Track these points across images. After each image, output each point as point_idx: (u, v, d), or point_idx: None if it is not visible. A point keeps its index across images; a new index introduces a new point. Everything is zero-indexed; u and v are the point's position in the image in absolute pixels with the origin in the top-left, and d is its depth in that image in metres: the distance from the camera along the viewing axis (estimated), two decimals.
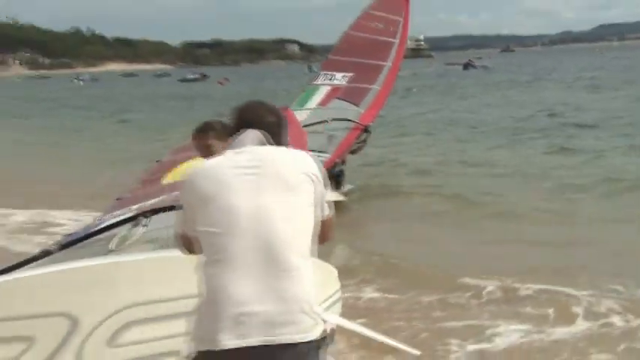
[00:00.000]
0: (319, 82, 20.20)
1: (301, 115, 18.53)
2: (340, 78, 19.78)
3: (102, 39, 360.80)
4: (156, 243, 5.76)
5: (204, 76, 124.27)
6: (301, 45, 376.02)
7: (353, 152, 18.60)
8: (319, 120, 18.54)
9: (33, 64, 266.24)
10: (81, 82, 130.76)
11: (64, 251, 5.98)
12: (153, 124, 38.72)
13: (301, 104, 19.58)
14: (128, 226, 6.37)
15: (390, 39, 20.05)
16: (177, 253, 4.22)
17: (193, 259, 3.84)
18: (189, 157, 8.46)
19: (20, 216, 17.04)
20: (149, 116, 45.85)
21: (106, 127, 43.69)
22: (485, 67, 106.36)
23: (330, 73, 20.18)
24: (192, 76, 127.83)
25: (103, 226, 6.84)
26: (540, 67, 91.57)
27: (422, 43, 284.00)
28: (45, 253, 5.69)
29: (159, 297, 4.22)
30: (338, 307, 4.93)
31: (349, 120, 18.27)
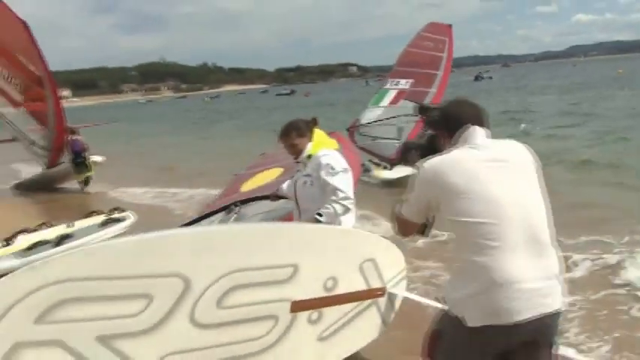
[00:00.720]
0: (388, 86, 19.81)
1: (376, 112, 19.15)
2: (404, 83, 19.39)
3: (221, 69, 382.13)
4: None
5: (292, 92, 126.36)
6: (358, 66, 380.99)
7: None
8: (392, 116, 18.38)
9: (176, 89, 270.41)
10: (209, 99, 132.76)
11: None
12: (261, 125, 37.90)
13: (376, 103, 19.46)
14: (222, 214, 6.41)
15: (439, 54, 19.62)
16: (276, 226, 4.64)
17: (299, 231, 4.12)
18: (266, 169, 8.32)
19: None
20: (258, 119, 46.35)
21: (227, 129, 45.40)
22: (490, 78, 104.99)
23: (395, 79, 19.75)
24: (284, 92, 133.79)
25: (201, 215, 6.98)
26: (525, 77, 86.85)
27: None
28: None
29: (262, 264, 3.59)
30: (404, 283, 4.45)
31: (412, 115, 17.11)
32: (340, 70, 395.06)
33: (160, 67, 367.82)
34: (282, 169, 7.91)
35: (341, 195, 4.97)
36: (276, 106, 72.44)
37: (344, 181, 5.02)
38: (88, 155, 18.06)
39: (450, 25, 20.54)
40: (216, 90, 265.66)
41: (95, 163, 18.30)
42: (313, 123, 5.44)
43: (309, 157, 5.27)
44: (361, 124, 18.85)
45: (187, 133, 42.63)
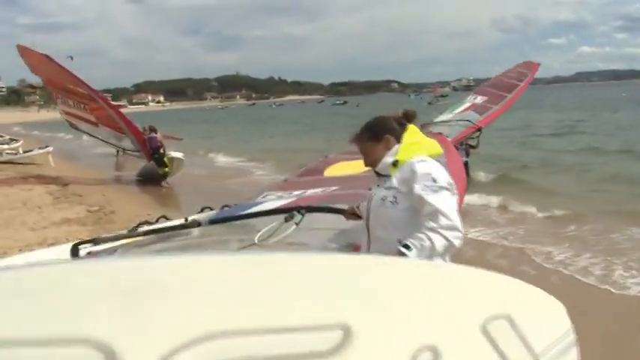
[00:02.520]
0: (466, 99, 18.63)
1: (447, 116, 17.69)
2: (479, 99, 18.00)
3: (285, 81, 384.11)
4: (305, 247, 3.78)
5: (345, 102, 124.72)
6: (399, 83, 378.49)
7: (474, 147, 16.67)
8: (453, 119, 17.36)
9: (247, 97, 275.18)
10: (274, 106, 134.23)
11: (212, 226, 4.26)
12: (321, 128, 37.95)
13: (451, 111, 17.97)
14: (280, 219, 3.87)
15: (516, 82, 18.28)
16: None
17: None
18: (354, 158, 6.01)
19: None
20: (319, 123, 45.07)
21: (294, 130, 44.99)
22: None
23: (475, 95, 18.39)
24: (338, 102, 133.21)
25: (254, 210, 4.65)
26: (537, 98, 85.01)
27: (471, 82, 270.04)
28: (195, 224, 4.16)
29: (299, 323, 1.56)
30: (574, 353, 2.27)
31: (469, 121, 16.35)
32: (384, 86, 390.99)
33: (236, 79, 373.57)
34: None
35: (445, 222, 2.72)
36: (334, 113, 73.57)
37: (449, 203, 2.82)
38: (166, 152, 16.95)
39: (538, 64, 20.00)
40: (281, 99, 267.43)
41: (173, 159, 17.02)
42: (407, 117, 3.26)
43: (395, 164, 3.07)
44: (432, 122, 17.22)
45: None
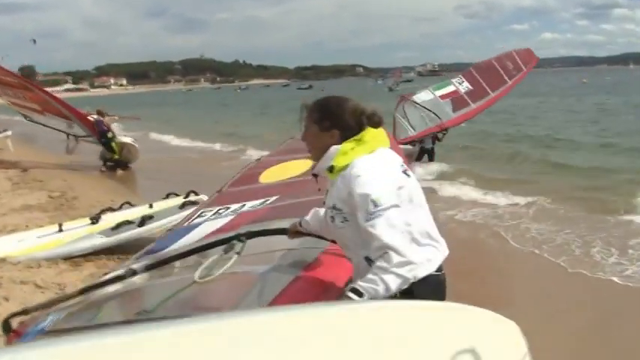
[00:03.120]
0: (453, 80, 18.26)
1: (428, 97, 17.62)
2: (465, 87, 17.75)
3: (250, 65, 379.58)
4: (249, 276, 3.19)
5: (310, 86, 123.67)
6: (364, 67, 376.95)
7: (439, 140, 16.91)
8: (428, 108, 17.14)
9: (212, 81, 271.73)
10: (239, 90, 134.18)
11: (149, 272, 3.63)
12: (286, 113, 37.90)
13: (434, 89, 17.86)
14: (219, 250, 3.36)
15: (506, 78, 17.82)
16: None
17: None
18: (290, 159, 6.10)
19: None
20: (283, 109, 44.93)
21: (253, 115, 46.53)
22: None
23: (463, 79, 18.07)
24: (303, 86, 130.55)
25: (191, 240, 4.18)
26: None
27: (436, 67, 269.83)
28: (131, 272, 3.50)
29: None
30: None
31: (439, 117, 16.67)
32: (349, 70, 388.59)
33: (200, 63, 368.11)
34: (310, 162, 5.82)
35: (396, 259, 2.36)
36: (297, 97, 71.57)
37: (398, 227, 2.42)
38: (114, 136, 16.42)
39: (538, 59, 19.15)
40: (246, 83, 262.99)
41: (124, 144, 16.48)
42: (370, 119, 2.65)
43: (332, 170, 2.60)
44: (412, 101, 17.52)
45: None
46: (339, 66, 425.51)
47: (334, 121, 2.63)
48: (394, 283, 2.36)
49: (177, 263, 3.68)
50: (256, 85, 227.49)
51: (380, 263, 2.38)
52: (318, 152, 2.67)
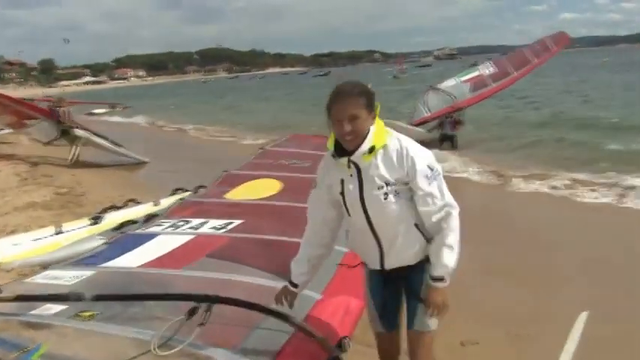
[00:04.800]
0: (479, 65, 18.06)
1: (453, 82, 17.44)
2: (489, 71, 17.43)
3: (267, 54, 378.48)
4: None
5: (327, 73, 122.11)
6: (382, 53, 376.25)
7: (460, 123, 16.35)
8: (446, 91, 16.97)
9: (229, 70, 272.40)
10: (258, 78, 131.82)
11: (96, 303, 3.03)
12: (306, 98, 37.83)
13: (460, 76, 17.61)
14: (181, 317, 2.76)
15: (532, 57, 17.45)
16: None
17: None
18: (259, 176, 6.06)
19: None
20: (304, 93, 44.64)
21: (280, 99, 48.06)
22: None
23: (491, 64, 17.71)
24: (321, 73, 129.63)
25: (150, 294, 3.24)
26: None
27: (454, 50, 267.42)
28: (76, 297, 3.01)
29: None
30: None
31: (452, 98, 16.47)
32: (366, 56, 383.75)
33: (217, 52, 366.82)
34: (280, 184, 5.77)
35: (455, 213, 2.75)
36: (314, 84, 72.39)
37: (446, 187, 2.79)
38: (70, 127, 15.36)
39: (569, 40, 18.78)
40: (263, 72, 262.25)
41: (80, 137, 15.38)
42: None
43: (372, 150, 2.70)
44: (436, 88, 17.33)
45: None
46: (357, 52, 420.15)
47: (373, 104, 2.74)
48: (455, 238, 2.73)
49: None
50: (273, 73, 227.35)
51: (443, 224, 2.71)
52: (360, 138, 2.69)
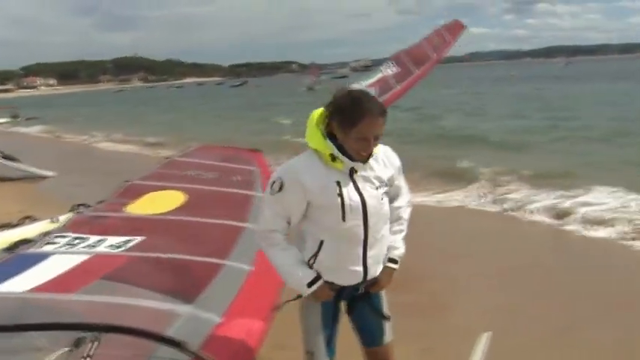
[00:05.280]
0: (382, 67, 16.02)
1: (357, 86, 16.23)
2: (392, 70, 15.54)
3: (183, 63, 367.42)
4: None
5: (242, 84, 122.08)
6: (299, 64, 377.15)
7: None
8: None
9: (145, 79, 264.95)
10: (173, 88, 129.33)
11: None
12: (223, 108, 37.68)
13: (365, 80, 15.56)
14: (65, 349, 2.39)
15: (431, 52, 15.50)
16: None
17: None
18: (163, 187, 5.65)
19: None
20: (219, 104, 44.64)
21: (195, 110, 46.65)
22: None
23: (391, 63, 15.79)
24: (238, 83, 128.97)
25: (34, 323, 2.74)
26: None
27: (369, 62, 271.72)
28: None
29: None
30: None
31: None
32: (284, 67, 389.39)
33: (133, 61, 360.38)
34: (184, 197, 5.33)
35: (408, 198, 3.04)
36: (229, 95, 72.28)
37: None
38: None
39: (463, 27, 17.05)
40: (180, 81, 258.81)
41: None
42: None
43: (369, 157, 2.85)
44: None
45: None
46: (275, 63, 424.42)
47: None
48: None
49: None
50: (190, 83, 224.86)
51: (406, 213, 2.97)
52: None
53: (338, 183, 2.68)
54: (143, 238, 4.33)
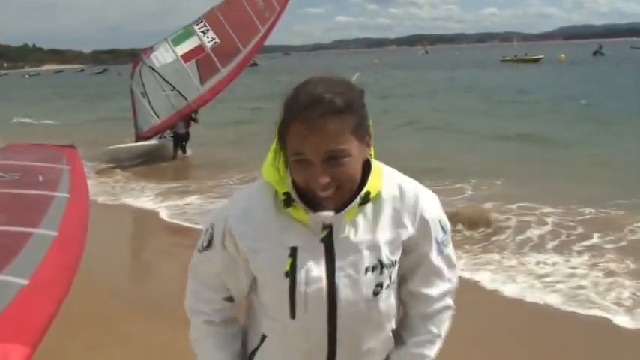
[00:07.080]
0: (197, 28, 13.81)
1: (169, 56, 13.77)
2: (210, 39, 13.63)
3: (41, 49, 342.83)
4: None
5: (105, 70, 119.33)
6: None
7: (194, 121, 13.93)
8: (169, 81, 13.60)
9: None
10: (27, 76, 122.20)
11: None
12: (86, 94, 36.13)
13: (175, 43, 13.81)
14: None
15: (259, 25, 13.67)
16: None
17: None
18: None
19: None
20: (83, 91, 42.77)
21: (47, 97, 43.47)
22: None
23: (207, 26, 13.71)
24: (98, 70, 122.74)
25: None
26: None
27: None
28: None
29: None
30: None
31: (186, 99, 13.39)
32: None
33: None
34: None
35: (452, 309, 1.65)
36: (88, 83, 69.47)
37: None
38: None
39: None
40: (37, 68, 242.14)
41: None
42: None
43: (366, 199, 1.48)
44: (151, 66, 13.71)
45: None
46: (139, 50, 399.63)
47: (366, 122, 1.49)
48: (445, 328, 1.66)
49: None
50: (48, 70, 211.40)
51: (435, 331, 1.61)
52: (348, 190, 1.45)
53: (293, 250, 1.47)
54: None
